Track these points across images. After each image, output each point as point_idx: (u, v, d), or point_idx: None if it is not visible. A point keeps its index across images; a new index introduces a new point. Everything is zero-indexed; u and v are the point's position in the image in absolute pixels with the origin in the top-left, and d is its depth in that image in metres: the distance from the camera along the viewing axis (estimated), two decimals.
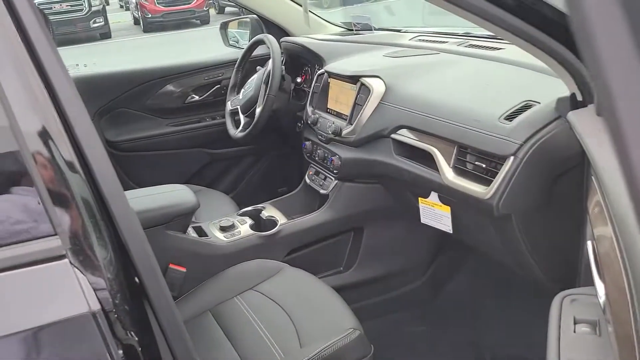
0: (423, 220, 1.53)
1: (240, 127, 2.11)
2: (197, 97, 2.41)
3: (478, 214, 1.34)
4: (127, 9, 15.24)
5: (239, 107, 2.15)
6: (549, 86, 1.35)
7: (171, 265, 1.57)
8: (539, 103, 1.27)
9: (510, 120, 1.25)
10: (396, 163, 1.55)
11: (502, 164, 1.22)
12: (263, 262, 1.65)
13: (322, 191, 1.83)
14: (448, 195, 1.40)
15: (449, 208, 1.43)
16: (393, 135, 1.56)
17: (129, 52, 9.78)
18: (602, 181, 0.78)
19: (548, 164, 1.21)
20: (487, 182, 1.26)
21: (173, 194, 1.59)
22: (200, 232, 1.74)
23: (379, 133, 1.61)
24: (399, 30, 2.27)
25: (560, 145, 1.20)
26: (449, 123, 1.37)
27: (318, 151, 1.87)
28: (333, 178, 1.80)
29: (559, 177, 1.22)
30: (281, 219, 1.78)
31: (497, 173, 1.23)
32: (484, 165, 1.28)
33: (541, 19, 1.03)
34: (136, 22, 13.43)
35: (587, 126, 0.98)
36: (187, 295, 1.56)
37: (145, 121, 2.37)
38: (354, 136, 1.69)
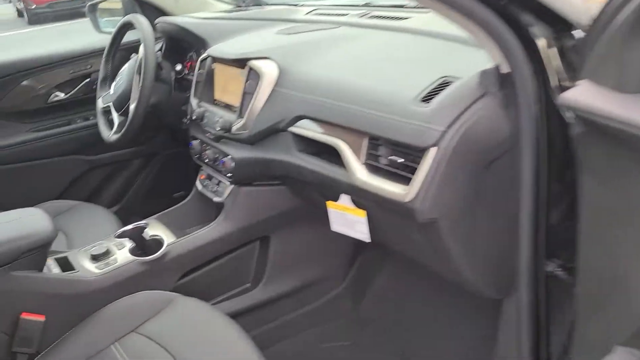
0: (334, 227, 1.28)
1: (115, 128, 1.76)
2: (62, 95, 2.03)
3: (399, 219, 1.10)
4: (10, 0, 13.90)
5: (111, 103, 1.80)
6: (466, 58, 1.13)
7: (24, 315, 1.23)
8: (459, 78, 1.05)
9: (428, 102, 1.02)
10: (298, 162, 1.28)
11: (422, 158, 0.99)
12: (148, 294, 1.34)
13: (216, 199, 1.54)
14: (361, 197, 1.15)
15: (364, 213, 1.18)
16: (292, 129, 1.30)
17: (9, 48, 8.83)
18: None
19: (477, 152, 0.99)
20: (406, 181, 1.02)
21: (17, 224, 1.24)
22: (66, 265, 1.40)
23: (275, 126, 1.34)
24: (295, 5, 1.99)
25: (490, 127, 0.98)
26: (356, 110, 1.12)
27: (207, 151, 1.57)
28: (228, 182, 1.51)
29: (488, 166, 1.01)
30: (169, 237, 1.47)
31: (417, 169, 0.99)
32: (401, 160, 1.04)
33: None
34: (20, 14, 12.26)
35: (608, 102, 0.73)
36: (50, 350, 1.24)
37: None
38: (246, 132, 1.40)
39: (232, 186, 1.49)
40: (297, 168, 1.28)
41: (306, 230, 1.62)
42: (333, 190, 1.22)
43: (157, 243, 1.46)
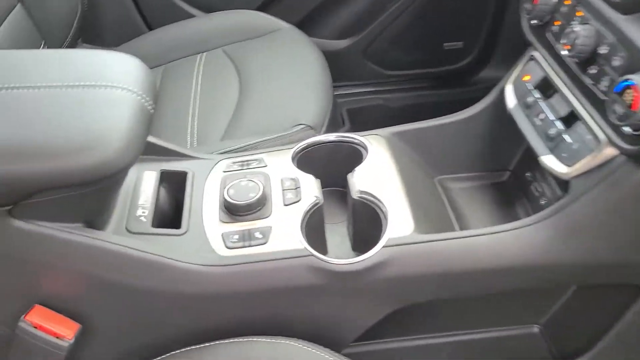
0: None
1: None
2: None
3: None
4: None
5: None
6: None
7: (32, 315, 0.53)
8: None
9: None
10: None
11: None
12: (300, 351, 0.55)
13: (555, 167, 0.58)
14: None
15: None
16: None
17: None
18: None
19: None
20: None
21: (61, 106, 0.48)
22: (168, 201, 0.65)
23: None
24: None
25: None
26: None
27: (572, 30, 0.56)
28: (604, 136, 0.52)
29: None
30: (397, 203, 0.60)
31: None
32: None
33: None
34: None
35: None
36: None
37: None
38: None
39: (618, 155, 0.51)
40: None
41: None
42: None
43: (370, 218, 0.61)
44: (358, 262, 0.56)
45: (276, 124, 0.85)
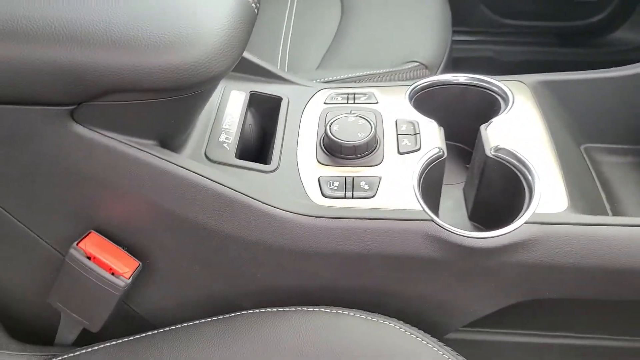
0: None
1: None
2: None
3: None
4: None
5: None
6: None
7: (88, 242, 0.44)
8: None
9: None
10: None
11: None
12: (407, 342, 0.44)
13: None
14: None
15: None
16: None
17: None
18: None
19: None
20: None
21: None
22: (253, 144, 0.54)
23: None
24: None
25: None
26: None
27: None
28: None
29: None
30: (550, 183, 0.47)
31: None
32: None
33: None
34: None
35: None
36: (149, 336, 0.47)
37: None
38: None
39: None
40: None
41: None
42: None
43: (505, 183, 0.48)
44: (491, 237, 0.43)
45: (383, 58, 0.72)
